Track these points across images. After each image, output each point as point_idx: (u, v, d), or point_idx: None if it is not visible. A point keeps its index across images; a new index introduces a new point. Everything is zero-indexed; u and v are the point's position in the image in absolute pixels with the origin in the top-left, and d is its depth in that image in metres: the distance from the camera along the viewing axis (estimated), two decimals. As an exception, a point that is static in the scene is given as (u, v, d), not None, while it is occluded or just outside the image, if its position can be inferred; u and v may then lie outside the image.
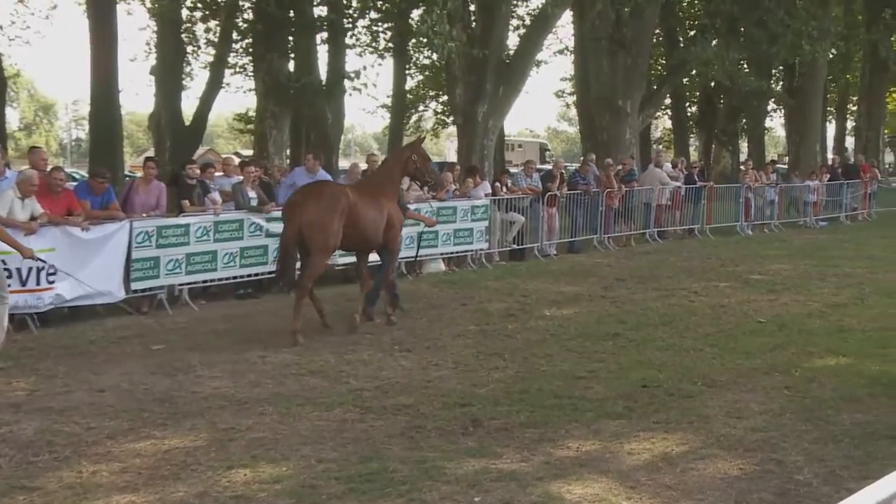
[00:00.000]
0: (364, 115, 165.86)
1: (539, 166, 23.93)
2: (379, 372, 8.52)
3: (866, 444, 6.33)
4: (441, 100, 41.07)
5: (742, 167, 27.52)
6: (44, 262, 10.14)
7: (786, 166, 34.42)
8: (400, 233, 11.44)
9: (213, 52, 30.79)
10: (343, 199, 10.19)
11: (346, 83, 22.54)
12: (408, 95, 39.20)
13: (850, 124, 53.14)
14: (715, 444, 6.39)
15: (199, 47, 31.12)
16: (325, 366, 8.75)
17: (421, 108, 43.98)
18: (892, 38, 39.29)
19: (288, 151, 26.08)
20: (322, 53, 27.15)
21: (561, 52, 41.99)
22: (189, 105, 31.39)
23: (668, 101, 38.95)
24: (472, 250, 15.97)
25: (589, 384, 8.02)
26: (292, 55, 23.50)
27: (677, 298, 12.65)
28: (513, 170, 22.32)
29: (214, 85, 30.15)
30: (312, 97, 23.07)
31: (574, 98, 36.16)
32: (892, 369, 8.45)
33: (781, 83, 38.76)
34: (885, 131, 50.65)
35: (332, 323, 10.55)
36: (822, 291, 13.21)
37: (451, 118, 31.79)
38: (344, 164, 28.68)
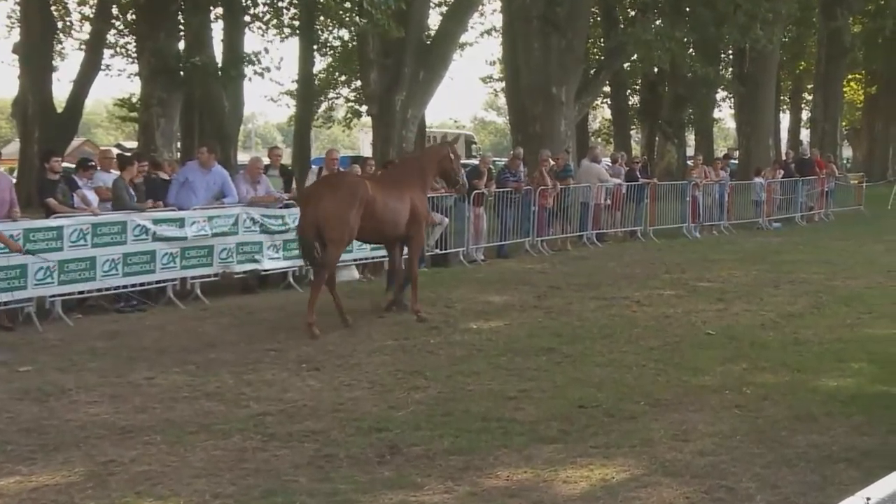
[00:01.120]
0: (266, 102, 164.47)
1: (464, 161, 24.05)
2: (284, 394, 8.47)
3: (823, 468, 6.49)
4: (354, 86, 40.99)
5: (689, 162, 28.03)
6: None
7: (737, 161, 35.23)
8: (425, 226, 12.66)
9: (88, 28, 30.28)
10: (361, 190, 11.09)
11: (246, 66, 22.36)
12: (316, 81, 39.05)
13: (805, 115, 54.55)
14: (659, 470, 6.49)
15: (71, 23, 30.61)
16: (223, 388, 8.66)
17: (331, 94, 43.84)
18: (850, 21, 40.45)
19: (179, 143, 25.78)
20: (217, 32, 26.93)
21: (488, 32, 42.35)
22: (62, 89, 30.87)
23: (607, 88, 39.47)
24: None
25: (520, 405, 8.08)
26: (182, 33, 23.23)
27: (618, 308, 12.84)
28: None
29: (91, 67, 29.65)
30: (206, 81, 22.83)
31: (503, 85, 36.42)
32: (850, 384, 8.71)
33: (731, 69, 39.62)
34: (843, 123, 52.00)
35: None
36: (775, 300, 13.54)
37: (366, 107, 31.76)
38: (243, 157, 28.50)
